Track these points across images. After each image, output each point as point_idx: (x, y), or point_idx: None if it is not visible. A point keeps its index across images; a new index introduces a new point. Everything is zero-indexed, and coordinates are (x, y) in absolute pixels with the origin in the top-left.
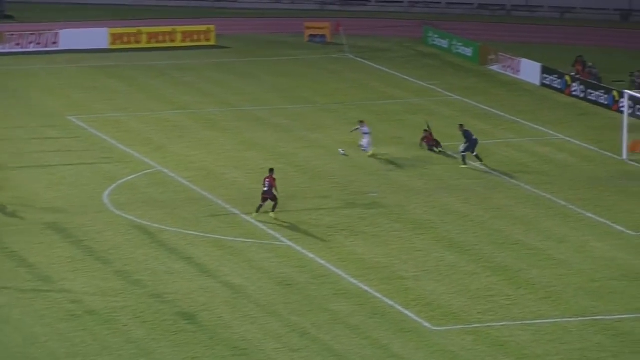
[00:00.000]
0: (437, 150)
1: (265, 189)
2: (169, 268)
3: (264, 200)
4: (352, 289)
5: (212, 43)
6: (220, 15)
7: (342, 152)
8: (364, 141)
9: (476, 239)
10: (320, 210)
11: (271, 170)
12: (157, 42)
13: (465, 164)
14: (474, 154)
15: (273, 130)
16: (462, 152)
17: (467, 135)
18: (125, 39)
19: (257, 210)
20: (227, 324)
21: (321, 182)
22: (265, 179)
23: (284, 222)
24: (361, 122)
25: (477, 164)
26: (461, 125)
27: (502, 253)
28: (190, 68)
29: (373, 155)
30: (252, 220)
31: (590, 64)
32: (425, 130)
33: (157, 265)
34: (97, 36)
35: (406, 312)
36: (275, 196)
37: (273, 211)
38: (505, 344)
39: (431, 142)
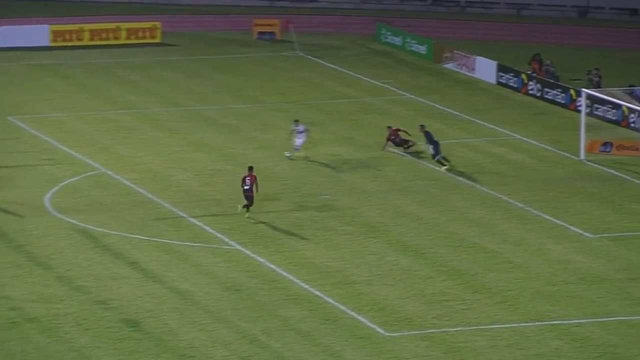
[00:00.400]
0: (404, 147)
1: (247, 187)
2: (114, 273)
3: (247, 198)
4: (303, 294)
5: (158, 40)
6: (166, 12)
7: (288, 154)
8: (298, 141)
9: (431, 242)
10: (271, 213)
11: (250, 168)
12: (101, 39)
13: (444, 165)
14: (439, 158)
15: (222, 131)
16: (435, 155)
17: (428, 136)
18: (67, 36)
19: (247, 210)
20: (174, 331)
21: (272, 184)
22: (245, 177)
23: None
24: (296, 121)
25: (443, 168)
26: (422, 126)
27: (458, 256)
28: (135, 66)
29: (305, 158)
30: (201, 224)
31: (547, 62)
32: (389, 127)
33: (101, 270)
34: (37, 33)
35: (359, 317)
36: (252, 195)
37: (248, 210)
38: (460, 350)
39: (397, 139)
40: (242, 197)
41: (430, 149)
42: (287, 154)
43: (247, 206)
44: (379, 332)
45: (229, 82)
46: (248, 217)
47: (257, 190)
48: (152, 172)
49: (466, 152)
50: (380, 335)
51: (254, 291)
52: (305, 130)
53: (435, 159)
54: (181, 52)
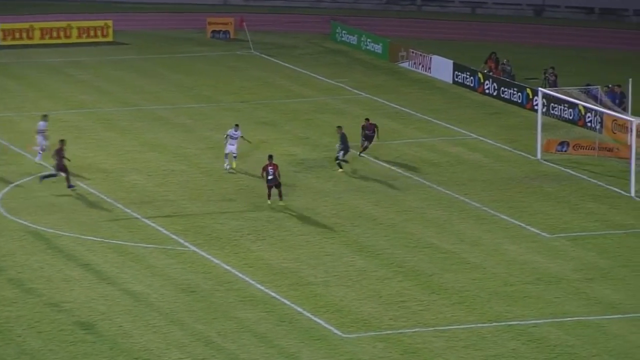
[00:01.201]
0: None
1: (270, 177)
2: (66, 275)
3: (270, 188)
4: (259, 296)
5: (109, 39)
6: (118, 10)
7: (227, 168)
8: (230, 147)
9: (387, 243)
10: (226, 214)
11: (270, 157)
12: (51, 38)
13: (340, 167)
14: (340, 159)
15: (175, 131)
16: (338, 157)
17: (343, 139)
18: (17, 35)
19: (269, 198)
20: (127, 334)
21: (226, 185)
22: (267, 166)
23: (194, 228)
24: (236, 125)
25: (339, 170)
26: (339, 128)
27: (414, 257)
28: (87, 65)
29: (232, 169)
30: (155, 225)
31: (503, 61)
32: (367, 119)
33: (53, 272)
34: None
35: (315, 318)
36: (280, 183)
37: (281, 199)
38: (417, 351)
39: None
40: (265, 188)
41: (339, 150)
42: (227, 167)
43: (279, 194)
44: (335, 333)
45: (183, 81)
46: (283, 205)
47: (279, 177)
48: (105, 173)
49: (422, 151)
50: (337, 336)
51: (209, 293)
52: (239, 137)
53: (337, 160)
54: (133, 51)
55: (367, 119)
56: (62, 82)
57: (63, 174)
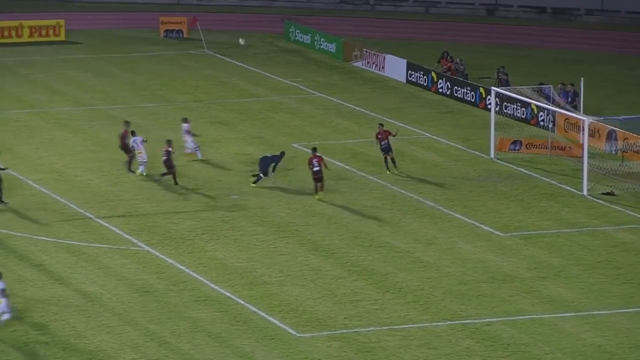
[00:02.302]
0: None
1: (316, 168)
2: (18, 276)
3: (317, 181)
4: (213, 295)
5: (61, 38)
6: (70, 9)
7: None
8: (189, 141)
9: (341, 242)
10: (180, 213)
11: (314, 149)
12: (3, 37)
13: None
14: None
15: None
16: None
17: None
18: None
19: (316, 191)
20: (81, 334)
21: (180, 184)
22: (311, 159)
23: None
24: (185, 119)
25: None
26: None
27: (369, 256)
28: (38, 65)
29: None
30: (108, 225)
31: (457, 60)
32: (381, 125)
33: (5, 272)
34: None
35: (270, 318)
36: (323, 177)
37: (321, 191)
38: (372, 350)
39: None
40: (312, 181)
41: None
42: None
43: (320, 188)
44: (290, 332)
45: (136, 80)
46: (319, 199)
47: (327, 168)
48: (58, 173)
49: (376, 151)
50: (291, 336)
51: (163, 292)
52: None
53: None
54: (86, 50)
55: (380, 125)
56: (14, 82)
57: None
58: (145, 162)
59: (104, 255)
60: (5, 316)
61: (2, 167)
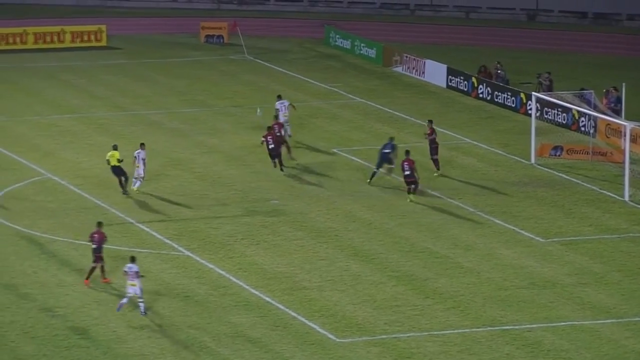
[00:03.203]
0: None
1: (407, 172)
2: (60, 280)
3: (410, 183)
4: (253, 300)
5: (103, 44)
6: (111, 15)
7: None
8: (140, 170)
9: (381, 247)
10: (220, 219)
11: (407, 152)
12: (45, 42)
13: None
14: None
15: (169, 135)
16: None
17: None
18: (10, 40)
19: (409, 192)
20: (121, 339)
21: (220, 189)
22: (402, 162)
23: (189, 236)
24: (142, 144)
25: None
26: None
27: (409, 261)
28: (80, 70)
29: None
30: (149, 230)
31: (497, 65)
32: (430, 121)
33: (47, 277)
34: None
35: (310, 323)
36: (416, 180)
37: (413, 193)
38: (412, 356)
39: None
40: (405, 184)
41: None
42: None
43: (413, 190)
44: (330, 338)
45: (176, 85)
46: (411, 201)
47: (417, 175)
48: (98, 178)
49: (416, 156)
50: (331, 341)
51: (203, 297)
52: (143, 159)
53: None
54: (127, 55)
55: (429, 121)
56: (56, 87)
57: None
58: (141, 177)
59: (144, 259)
60: (142, 305)
61: (120, 159)
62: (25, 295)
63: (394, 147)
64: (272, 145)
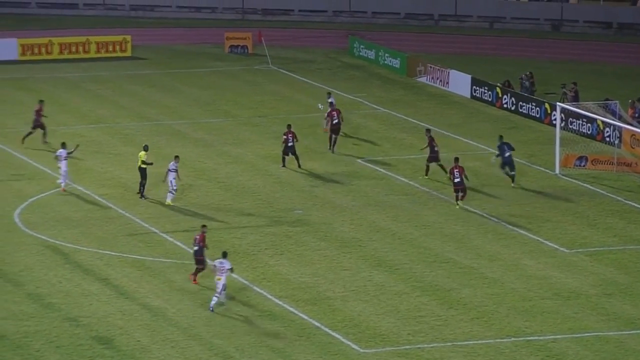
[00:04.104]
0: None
1: (457, 179)
2: (84, 290)
3: (457, 190)
4: (277, 310)
5: (128, 54)
6: (136, 25)
7: (320, 106)
8: (62, 171)
9: (405, 258)
10: (244, 228)
11: (456, 159)
12: (70, 53)
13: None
14: (512, 173)
15: (193, 145)
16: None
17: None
18: (36, 50)
19: (457, 200)
20: (146, 348)
21: (245, 199)
22: (452, 169)
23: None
24: (176, 157)
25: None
26: (501, 137)
27: (432, 272)
28: (105, 80)
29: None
30: (173, 240)
31: (523, 76)
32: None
33: (71, 287)
34: (5, 47)
35: (333, 333)
36: (465, 187)
37: (461, 200)
38: None
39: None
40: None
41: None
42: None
43: (461, 197)
44: (353, 348)
45: (200, 96)
46: (459, 208)
47: (467, 179)
48: (123, 187)
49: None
50: (354, 351)
51: (227, 307)
52: (67, 157)
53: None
54: (152, 65)
55: (428, 130)
56: (81, 97)
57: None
58: (174, 189)
59: (168, 269)
60: (214, 300)
61: (149, 162)
62: (50, 305)
63: (511, 147)
64: (291, 143)
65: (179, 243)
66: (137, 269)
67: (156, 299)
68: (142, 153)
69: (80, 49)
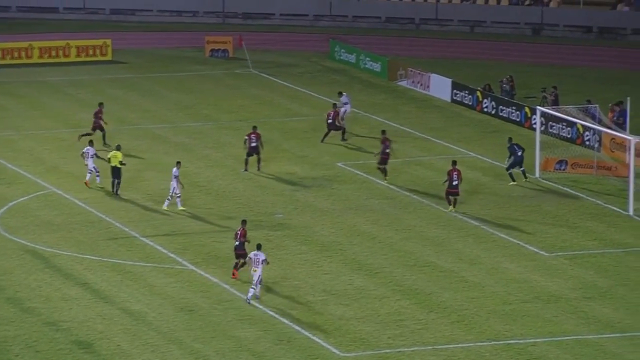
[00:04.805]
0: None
1: (456, 182)
2: (64, 294)
3: (455, 194)
4: (257, 314)
5: (108, 58)
6: (117, 29)
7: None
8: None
9: (386, 261)
10: (225, 232)
11: (454, 163)
12: (50, 57)
13: (513, 180)
14: (521, 169)
15: (174, 149)
16: (508, 168)
17: (512, 150)
18: (16, 54)
19: (452, 203)
20: (126, 353)
21: (225, 203)
22: (451, 172)
23: (186, 246)
24: (178, 163)
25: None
26: (510, 139)
27: (413, 275)
28: (85, 84)
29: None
30: (153, 244)
31: (504, 79)
32: (383, 131)
33: (51, 291)
34: None
35: (314, 337)
36: (459, 192)
37: (454, 206)
38: None
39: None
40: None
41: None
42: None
43: (455, 201)
44: (334, 352)
45: (181, 100)
46: (454, 212)
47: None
48: (103, 191)
49: (421, 170)
50: (335, 355)
51: (207, 311)
52: (93, 155)
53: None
54: (132, 69)
55: (383, 132)
56: (61, 101)
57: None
58: (177, 195)
59: (149, 273)
60: (250, 292)
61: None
62: (30, 309)
63: (522, 147)
64: (254, 144)
65: (159, 247)
66: (117, 273)
67: (136, 303)
68: (119, 153)
69: (61, 53)
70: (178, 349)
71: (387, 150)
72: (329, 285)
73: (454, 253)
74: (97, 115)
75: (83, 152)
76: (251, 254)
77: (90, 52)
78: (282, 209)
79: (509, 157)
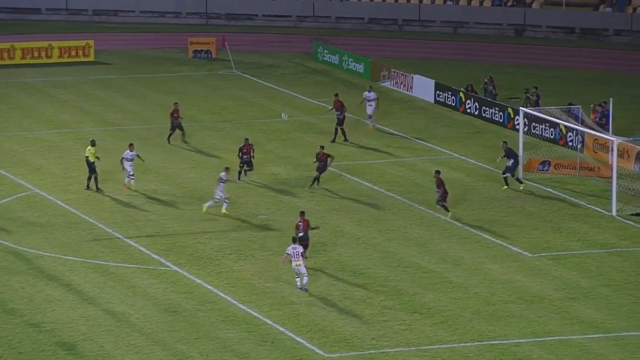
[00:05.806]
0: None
1: (438, 191)
2: (47, 295)
3: (443, 200)
4: (241, 315)
5: (91, 59)
6: (99, 30)
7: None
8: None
9: (369, 262)
10: (208, 233)
11: (437, 172)
12: (32, 58)
13: (507, 185)
14: (515, 177)
15: (157, 150)
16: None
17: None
18: None
19: (447, 208)
20: (109, 354)
21: None
22: (436, 176)
23: (182, 249)
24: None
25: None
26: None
27: (396, 276)
28: (68, 85)
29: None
30: (137, 245)
31: (486, 80)
32: (321, 147)
33: (34, 292)
34: None
35: (298, 338)
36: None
37: (447, 210)
38: None
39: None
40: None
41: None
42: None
43: (445, 206)
44: (318, 353)
45: (164, 101)
46: (451, 216)
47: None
48: (86, 193)
49: (404, 171)
50: (319, 356)
51: (191, 312)
52: (132, 158)
53: (504, 175)
54: (115, 70)
55: (321, 147)
56: (44, 102)
57: None
58: (224, 199)
59: (132, 275)
60: (305, 280)
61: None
62: (13, 311)
63: (516, 155)
64: (247, 157)
65: (142, 248)
66: (101, 274)
67: (120, 305)
68: (93, 148)
69: (43, 54)
70: (162, 350)
71: (323, 163)
72: (313, 286)
73: (437, 254)
74: (174, 114)
75: (123, 158)
76: (289, 249)
77: (73, 53)
78: (265, 210)
79: (503, 157)
